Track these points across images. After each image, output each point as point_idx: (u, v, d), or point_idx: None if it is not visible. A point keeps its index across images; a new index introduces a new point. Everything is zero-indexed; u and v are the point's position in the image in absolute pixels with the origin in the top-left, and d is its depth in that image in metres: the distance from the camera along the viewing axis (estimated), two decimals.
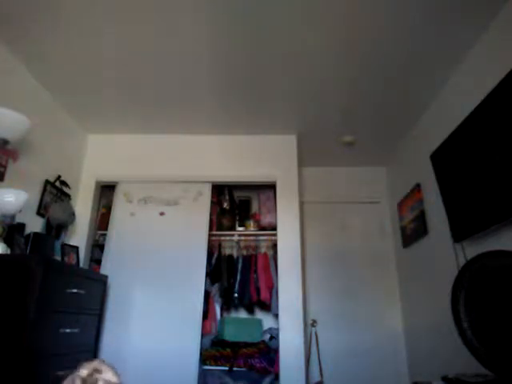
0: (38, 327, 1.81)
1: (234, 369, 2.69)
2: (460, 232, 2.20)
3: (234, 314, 3.39)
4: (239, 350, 2.77)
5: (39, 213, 2.59)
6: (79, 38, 2.20)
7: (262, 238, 3.39)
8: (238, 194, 3.71)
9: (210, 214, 3.12)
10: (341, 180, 3.84)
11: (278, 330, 2.81)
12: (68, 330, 2.08)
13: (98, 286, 2.52)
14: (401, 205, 3.32)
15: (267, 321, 3.26)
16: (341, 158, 3.71)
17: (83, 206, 3.11)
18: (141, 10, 1.99)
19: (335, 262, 3.57)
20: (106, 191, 3.39)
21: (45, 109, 2.72)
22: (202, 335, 2.78)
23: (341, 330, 3.35)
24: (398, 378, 3.17)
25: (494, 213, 1.85)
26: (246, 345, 2.84)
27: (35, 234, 2.34)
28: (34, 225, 2.51)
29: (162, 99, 2.81)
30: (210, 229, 3.12)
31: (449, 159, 2.32)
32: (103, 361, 0.94)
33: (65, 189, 2.91)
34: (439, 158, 2.45)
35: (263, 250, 3.38)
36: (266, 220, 3.32)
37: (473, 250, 2.12)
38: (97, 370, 0.90)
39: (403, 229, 3.27)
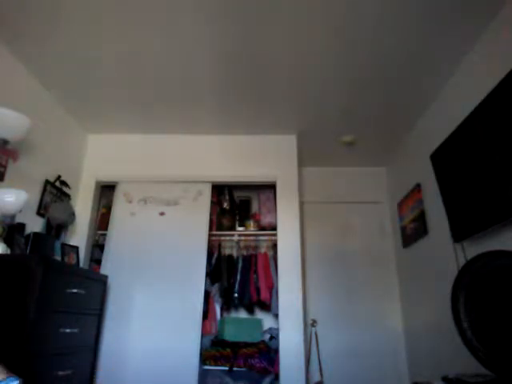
0: (38, 327, 1.81)
1: (234, 369, 2.69)
2: (460, 232, 2.20)
3: (234, 314, 3.39)
4: (239, 350, 2.77)
5: (39, 213, 2.59)
6: (79, 37, 2.20)
7: (262, 237, 3.39)
8: (237, 194, 3.71)
9: (210, 214, 3.12)
10: (341, 180, 3.84)
11: (277, 330, 2.81)
12: (68, 330, 2.08)
13: (98, 286, 2.52)
14: (401, 205, 3.32)
15: (267, 321, 3.26)
16: (341, 158, 3.71)
17: (83, 206, 3.12)
18: (141, 10, 1.99)
19: (335, 262, 3.57)
20: (106, 191, 3.39)
21: (45, 109, 2.72)
22: (202, 335, 2.78)
23: (341, 330, 3.35)
24: (398, 378, 3.17)
25: (494, 213, 1.85)
26: (246, 345, 2.84)
27: (35, 233, 2.34)
28: (34, 225, 2.51)
29: (162, 99, 2.81)
30: (210, 229, 3.12)
31: (449, 159, 2.33)
32: None
33: (65, 189, 2.91)
34: (439, 158, 2.45)
35: (263, 250, 3.38)
36: (265, 220, 3.32)
37: (473, 250, 2.13)
38: None
39: (403, 229, 3.27)
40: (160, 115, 3.04)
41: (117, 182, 3.22)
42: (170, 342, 2.69)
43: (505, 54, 1.89)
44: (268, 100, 2.79)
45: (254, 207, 3.70)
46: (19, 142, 2.29)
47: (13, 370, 1.66)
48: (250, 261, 3.22)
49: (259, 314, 3.35)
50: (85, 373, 2.29)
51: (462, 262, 2.15)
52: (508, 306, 1.66)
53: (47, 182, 2.69)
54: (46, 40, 2.22)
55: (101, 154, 3.29)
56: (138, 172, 3.22)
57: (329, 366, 3.24)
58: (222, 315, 3.23)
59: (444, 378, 1.77)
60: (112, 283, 2.82)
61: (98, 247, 3.20)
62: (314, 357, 3.26)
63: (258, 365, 2.69)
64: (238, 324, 3.10)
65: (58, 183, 2.81)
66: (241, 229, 3.43)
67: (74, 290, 2.17)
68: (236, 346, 2.82)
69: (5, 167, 2.22)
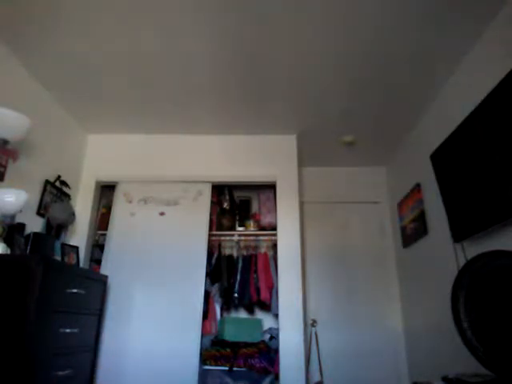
0: (38, 327, 1.81)
1: (234, 369, 2.69)
2: (460, 232, 2.20)
3: (234, 314, 3.39)
4: (239, 350, 2.77)
5: (39, 213, 2.59)
6: (79, 37, 2.20)
7: (262, 237, 3.39)
8: (238, 194, 3.71)
9: (210, 214, 3.12)
10: (341, 180, 3.84)
11: (277, 330, 2.81)
12: (68, 330, 2.08)
13: (98, 286, 2.52)
14: (401, 205, 3.32)
15: (267, 321, 3.26)
16: (341, 158, 3.71)
17: (83, 206, 3.12)
18: (141, 10, 1.99)
19: (335, 262, 3.57)
20: (106, 191, 3.39)
21: (45, 109, 2.72)
22: (202, 335, 2.78)
23: (341, 330, 3.35)
24: (398, 378, 3.17)
25: (494, 213, 1.85)
26: (246, 345, 2.84)
27: (35, 233, 2.34)
28: (34, 225, 2.51)
29: (161, 99, 2.81)
30: (210, 229, 3.12)
31: (449, 159, 2.32)
32: None
33: (65, 189, 2.91)
34: (439, 158, 2.45)
35: (263, 249, 3.38)
36: (266, 220, 3.32)
37: (473, 250, 2.13)
38: None
39: (403, 229, 3.27)
40: (160, 115, 3.04)
41: (117, 182, 3.22)
42: (170, 341, 2.69)
43: (505, 54, 1.89)
44: (268, 100, 2.79)
45: (254, 207, 3.70)
46: (19, 142, 2.29)
47: (13, 370, 1.66)
48: (250, 261, 3.22)
49: (259, 314, 3.35)
50: (85, 373, 2.29)
51: (462, 261, 2.15)
52: (508, 305, 1.66)
53: (47, 182, 2.69)
54: (46, 40, 2.22)
55: (101, 154, 3.29)
56: (138, 172, 3.22)
57: (329, 366, 3.24)
58: (222, 315, 3.23)
59: (444, 378, 1.77)
60: (112, 283, 2.82)
61: (98, 247, 3.20)
62: (314, 357, 3.26)
63: (257, 365, 2.69)
64: (238, 324, 3.10)
65: (58, 183, 2.81)
66: (241, 229, 3.43)
67: (74, 290, 2.17)
68: (236, 346, 2.82)
69: (5, 167, 2.22)
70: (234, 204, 3.57)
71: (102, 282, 2.59)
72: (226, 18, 2.04)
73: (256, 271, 3.16)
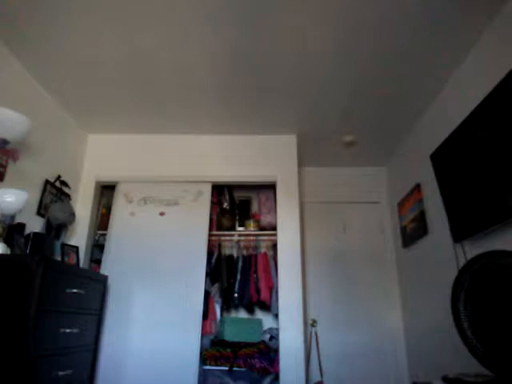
0: (38, 327, 1.81)
1: (234, 369, 2.69)
2: (460, 232, 2.20)
3: (233, 314, 3.39)
4: (239, 350, 2.77)
5: (39, 213, 2.59)
6: (79, 37, 2.20)
7: (261, 237, 3.39)
8: (237, 194, 3.71)
9: (210, 214, 3.12)
10: (341, 180, 3.83)
11: (277, 330, 2.81)
12: (68, 330, 2.08)
13: (98, 286, 2.52)
14: (401, 205, 3.32)
15: (267, 321, 3.26)
16: (341, 158, 3.71)
17: (83, 206, 3.12)
18: (141, 10, 1.99)
19: (335, 262, 3.57)
20: (106, 191, 3.39)
21: (45, 109, 2.72)
22: (202, 335, 2.78)
23: (341, 330, 3.35)
24: (398, 378, 3.17)
25: (494, 213, 1.85)
26: (246, 345, 2.84)
27: (35, 233, 2.34)
28: (34, 225, 2.51)
29: (162, 99, 2.81)
30: (210, 229, 3.12)
31: (449, 159, 2.32)
32: None
33: (65, 189, 2.90)
34: (439, 158, 2.45)
35: (263, 250, 3.38)
36: (266, 220, 3.32)
37: (473, 250, 2.12)
38: None
39: (403, 229, 3.27)
40: (160, 115, 3.04)
41: (117, 182, 3.22)
42: (170, 341, 2.69)
43: (505, 54, 1.89)
44: (268, 100, 2.79)
45: (254, 207, 3.70)
46: (19, 142, 2.29)
47: (13, 370, 1.66)
48: (250, 261, 3.22)
49: (259, 314, 3.35)
50: (85, 373, 2.29)
51: (462, 261, 2.15)
52: (508, 306, 1.66)
53: (47, 182, 2.69)
54: (46, 40, 2.22)
55: (101, 154, 3.29)
56: (138, 172, 3.22)
57: (329, 366, 3.24)
58: (222, 315, 3.23)
59: (444, 378, 1.77)
60: (112, 283, 2.82)
61: (98, 247, 3.20)
62: (314, 357, 3.26)
63: (257, 365, 2.69)
64: (238, 324, 3.10)
65: (57, 183, 2.81)
66: (241, 229, 3.43)
67: (74, 290, 2.17)
68: (236, 346, 2.82)
69: (5, 167, 2.22)
70: (234, 204, 3.57)
71: (102, 282, 2.59)
72: (226, 18, 2.04)
73: (256, 271, 3.16)
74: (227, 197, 3.51)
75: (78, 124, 3.17)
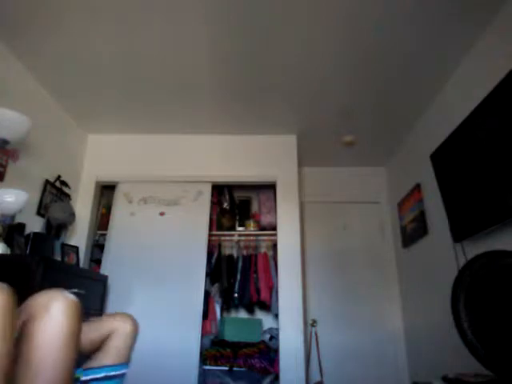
0: None
1: (234, 369, 2.69)
2: (460, 232, 2.20)
3: (233, 314, 3.39)
4: (239, 350, 2.77)
5: (39, 213, 2.59)
6: (79, 37, 2.20)
7: (261, 237, 3.39)
8: (237, 194, 3.71)
9: (210, 214, 3.12)
10: (341, 180, 3.83)
11: (278, 330, 2.81)
12: None
13: (98, 285, 2.52)
14: (401, 205, 3.32)
15: (267, 321, 3.26)
16: (341, 158, 3.71)
17: (83, 206, 3.11)
18: (141, 10, 1.99)
19: (335, 262, 3.56)
20: (106, 191, 3.39)
21: (45, 109, 2.72)
22: (202, 335, 2.78)
23: (341, 330, 3.35)
24: (398, 378, 3.17)
25: (494, 213, 1.85)
26: (246, 345, 2.84)
27: (35, 233, 2.34)
28: (34, 225, 2.51)
29: (162, 99, 2.81)
30: (210, 229, 3.12)
31: (449, 159, 2.32)
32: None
33: (65, 189, 2.90)
34: (439, 158, 2.45)
35: (263, 249, 3.38)
36: (266, 220, 3.32)
37: (473, 249, 2.12)
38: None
39: (403, 229, 3.26)
40: (160, 115, 3.04)
41: (117, 182, 3.22)
42: (170, 341, 2.68)
43: (505, 54, 1.89)
44: (268, 100, 2.79)
45: (254, 207, 3.70)
46: (19, 142, 2.28)
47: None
48: (250, 261, 3.22)
49: (259, 314, 3.35)
50: None
51: (462, 261, 2.15)
52: (508, 306, 1.66)
53: (47, 182, 2.69)
54: (46, 40, 2.22)
55: (101, 154, 3.29)
56: (138, 172, 3.22)
57: (329, 366, 3.24)
58: (222, 315, 3.23)
59: (444, 378, 1.77)
60: (112, 283, 2.82)
61: (98, 247, 3.20)
62: (314, 357, 3.26)
63: (258, 365, 2.69)
64: (238, 324, 3.10)
65: (58, 183, 2.81)
66: (241, 229, 3.43)
67: (74, 290, 2.16)
68: (236, 346, 2.82)
69: (5, 167, 2.22)
70: (234, 204, 3.57)
71: (102, 282, 2.58)
72: (226, 18, 2.04)
73: (256, 271, 3.16)
74: (227, 197, 3.51)
75: (77, 124, 3.17)
